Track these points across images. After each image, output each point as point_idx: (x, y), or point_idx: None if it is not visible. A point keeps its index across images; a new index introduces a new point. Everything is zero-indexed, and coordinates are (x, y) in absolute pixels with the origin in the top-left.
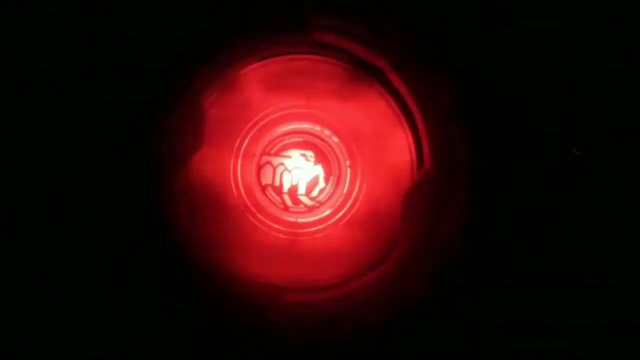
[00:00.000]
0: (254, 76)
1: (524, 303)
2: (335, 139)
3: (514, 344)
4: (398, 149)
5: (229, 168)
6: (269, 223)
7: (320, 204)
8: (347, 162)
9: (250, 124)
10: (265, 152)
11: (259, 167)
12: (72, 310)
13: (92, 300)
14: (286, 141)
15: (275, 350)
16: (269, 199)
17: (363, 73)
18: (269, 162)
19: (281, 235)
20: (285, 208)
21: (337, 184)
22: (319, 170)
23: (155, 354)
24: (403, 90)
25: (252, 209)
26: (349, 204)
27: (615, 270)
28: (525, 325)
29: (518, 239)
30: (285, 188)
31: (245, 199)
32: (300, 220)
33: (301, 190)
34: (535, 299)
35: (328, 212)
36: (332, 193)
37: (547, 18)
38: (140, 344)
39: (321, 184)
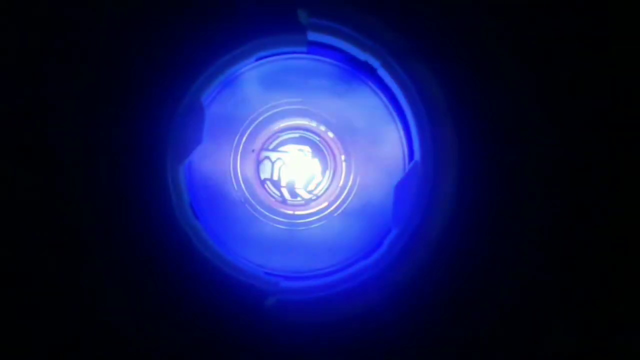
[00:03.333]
0: (251, 75)
1: (513, 289)
2: (331, 134)
3: (507, 329)
4: (390, 143)
5: (229, 163)
6: (268, 215)
7: (317, 197)
8: (342, 157)
9: (248, 120)
10: (263, 148)
11: (258, 162)
12: (75, 299)
13: (95, 288)
14: (283, 137)
15: (275, 334)
16: (267, 192)
17: (356, 70)
18: (267, 157)
19: (279, 227)
20: (283, 201)
21: (332, 177)
22: (315, 165)
23: (159, 340)
24: (394, 87)
25: (252, 201)
26: (343, 196)
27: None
28: (517, 310)
29: (505, 228)
30: (283, 182)
31: (245, 192)
32: (298, 212)
33: (298, 183)
34: (524, 284)
35: (324, 204)
36: (328, 186)
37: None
38: (144, 331)
39: (317, 177)
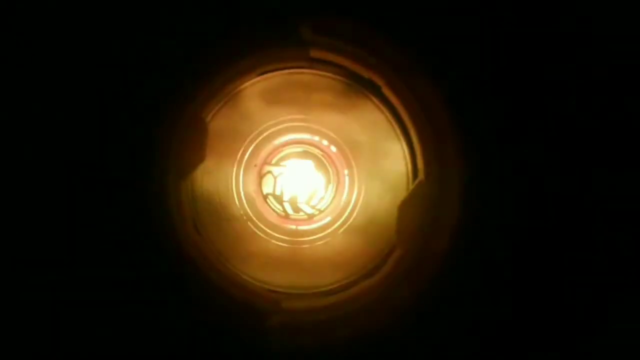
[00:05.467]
0: (254, 90)
1: (521, 310)
2: (334, 148)
3: (515, 350)
4: (394, 159)
5: (231, 178)
6: (270, 232)
7: (320, 211)
8: (345, 171)
9: (251, 136)
10: (266, 162)
11: (260, 177)
12: (76, 314)
13: (97, 304)
14: (286, 151)
15: (277, 355)
16: (270, 207)
17: (359, 87)
18: (269, 172)
19: (282, 244)
20: (286, 216)
21: (336, 192)
22: (318, 179)
23: (159, 357)
24: (398, 104)
25: (254, 217)
26: (347, 212)
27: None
28: (517, 330)
29: (512, 248)
30: (286, 196)
31: (247, 208)
32: (301, 228)
33: (301, 198)
34: (527, 305)
35: (327, 219)
36: (331, 201)
37: (539, 30)
38: (144, 349)
39: (320, 192)
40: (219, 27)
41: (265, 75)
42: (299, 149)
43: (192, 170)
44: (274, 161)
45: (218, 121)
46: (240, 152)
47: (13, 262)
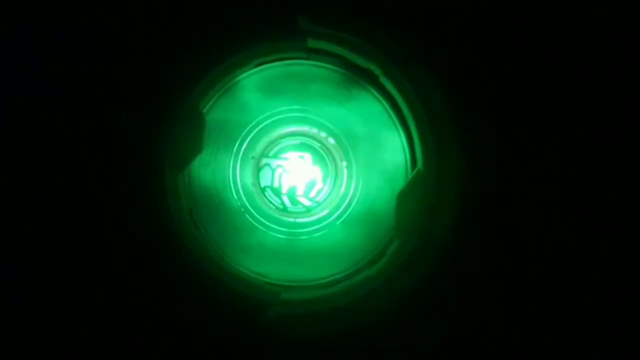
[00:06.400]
0: (251, 81)
1: (512, 297)
2: (332, 140)
3: (504, 335)
4: (392, 150)
5: (228, 170)
6: (268, 224)
7: (318, 204)
8: (344, 163)
9: (248, 127)
10: (263, 155)
11: (258, 169)
12: (74, 309)
13: (95, 297)
14: (284, 143)
15: (276, 346)
16: (268, 200)
17: (357, 77)
18: (267, 164)
19: (280, 236)
20: (284, 208)
21: (334, 184)
22: (316, 171)
23: (159, 350)
24: (395, 94)
25: (251, 209)
26: (345, 204)
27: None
28: (514, 317)
29: (510, 238)
30: (284, 189)
31: (245, 200)
32: (299, 220)
33: (299, 191)
34: (528, 295)
35: (326, 211)
36: (329, 193)
37: (536, 20)
38: (143, 341)
39: (318, 184)
40: (216, 19)
41: (262, 67)
42: (296, 141)
43: (189, 163)
44: (271, 153)
45: (215, 113)
46: (237, 144)
47: (12, 258)
